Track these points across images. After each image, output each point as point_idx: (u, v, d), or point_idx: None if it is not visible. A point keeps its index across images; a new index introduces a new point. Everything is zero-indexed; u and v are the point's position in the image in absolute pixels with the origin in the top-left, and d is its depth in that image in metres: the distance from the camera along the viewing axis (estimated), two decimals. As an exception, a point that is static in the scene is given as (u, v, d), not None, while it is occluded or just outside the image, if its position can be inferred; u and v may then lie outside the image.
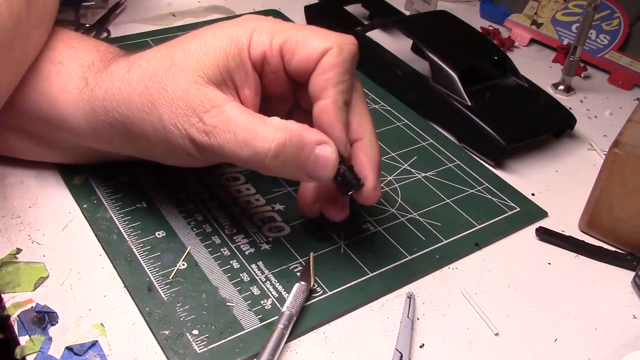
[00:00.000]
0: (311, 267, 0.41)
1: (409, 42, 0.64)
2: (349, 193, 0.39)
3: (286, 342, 0.37)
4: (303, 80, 0.39)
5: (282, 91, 0.41)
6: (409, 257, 0.44)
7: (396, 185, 0.51)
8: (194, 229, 0.44)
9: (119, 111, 0.38)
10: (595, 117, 0.64)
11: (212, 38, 0.38)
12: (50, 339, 0.36)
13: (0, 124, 0.44)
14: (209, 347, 0.36)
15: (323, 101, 0.38)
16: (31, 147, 0.45)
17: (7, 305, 0.38)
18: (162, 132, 0.37)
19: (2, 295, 0.38)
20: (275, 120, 0.36)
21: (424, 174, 0.52)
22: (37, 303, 0.38)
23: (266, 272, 0.41)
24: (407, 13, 0.76)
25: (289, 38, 0.38)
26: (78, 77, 0.41)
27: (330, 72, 0.37)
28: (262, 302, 0.39)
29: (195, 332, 0.37)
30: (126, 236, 0.43)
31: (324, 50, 0.37)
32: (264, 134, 0.35)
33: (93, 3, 0.69)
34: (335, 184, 0.39)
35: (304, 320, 0.39)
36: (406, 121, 0.58)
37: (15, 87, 0.41)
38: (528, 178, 0.54)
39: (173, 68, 0.37)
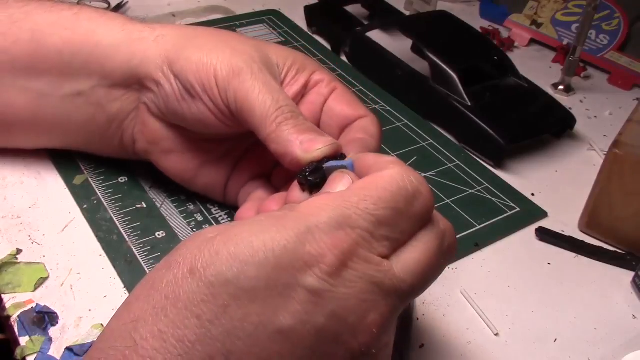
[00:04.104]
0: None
1: (409, 42, 0.64)
2: (303, 181, 0.34)
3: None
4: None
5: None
6: (409, 257, 0.44)
7: (396, 185, 0.50)
8: (194, 230, 0.44)
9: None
10: (595, 117, 0.64)
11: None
12: (50, 339, 0.36)
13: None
14: (209, 347, 0.36)
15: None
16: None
17: (8, 305, 0.38)
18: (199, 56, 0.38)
19: (3, 295, 0.38)
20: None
21: (423, 174, 0.52)
22: (37, 304, 0.38)
23: (266, 272, 0.41)
24: (407, 13, 0.76)
25: (340, 88, 0.42)
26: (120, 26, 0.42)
27: (366, 133, 0.39)
28: (262, 302, 0.39)
29: (196, 332, 0.37)
30: (126, 236, 0.43)
31: (362, 115, 0.40)
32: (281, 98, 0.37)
33: (96, 4, 0.69)
34: (303, 168, 0.35)
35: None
36: (406, 121, 0.58)
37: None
38: (528, 178, 0.54)
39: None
